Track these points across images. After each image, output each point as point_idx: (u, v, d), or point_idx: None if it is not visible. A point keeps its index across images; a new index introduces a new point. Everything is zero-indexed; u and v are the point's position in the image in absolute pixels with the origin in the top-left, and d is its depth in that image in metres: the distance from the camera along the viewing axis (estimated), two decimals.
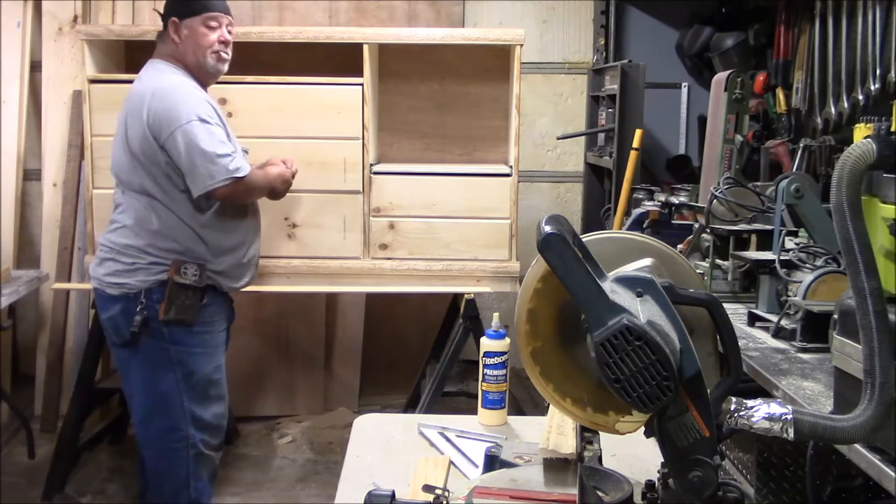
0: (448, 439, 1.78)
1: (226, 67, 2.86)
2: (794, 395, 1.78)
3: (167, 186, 2.64)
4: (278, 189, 2.90)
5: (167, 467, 2.71)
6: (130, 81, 3.41)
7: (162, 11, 2.81)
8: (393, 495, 1.33)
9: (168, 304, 2.61)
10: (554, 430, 1.55)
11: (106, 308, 2.68)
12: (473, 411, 1.91)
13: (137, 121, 2.62)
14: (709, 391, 1.15)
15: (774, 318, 2.26)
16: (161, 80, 2.69)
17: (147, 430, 2.75)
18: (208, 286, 2.70)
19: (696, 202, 3.17)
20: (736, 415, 1.17)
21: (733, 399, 1.18)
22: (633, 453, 1.48)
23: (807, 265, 2.30)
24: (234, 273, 2.78)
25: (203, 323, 2.69)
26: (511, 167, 3.45)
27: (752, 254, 2.57)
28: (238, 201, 2.76)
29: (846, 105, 3.33)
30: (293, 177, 2.96)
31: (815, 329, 2.09)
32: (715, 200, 2.67)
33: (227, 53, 2.83)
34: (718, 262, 2.68)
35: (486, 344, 1.95)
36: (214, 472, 2.82)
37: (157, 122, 2.60)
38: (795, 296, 2.20)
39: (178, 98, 2.63)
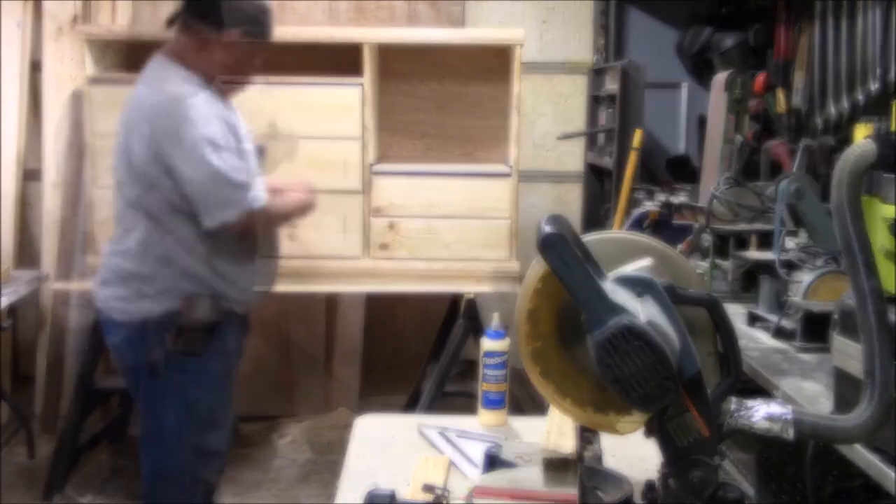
0: (448, 439, 1.78)
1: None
2: (794, 395, 1.78)
3: (171, 209, 2.32)
4: (297, 218, 2.65)
5: (162, 491, 2.52)
6: (131, 81, 3.45)
7: (188, 8, 2.39)
8: (393, 495, 1.33)
9: (177, 336, 2.36)
10: (554, 430, 1.55)
11: (110, 333, 2.43)
12: (473, 411, 1.91)
13: (138, 134, 2.28)
14: (709, 391, 1.15)
15: (774, 318, 2.26)
16: (170, 89, 2.30)
17: (150, 451, 2.54)
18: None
19: (696, 202, 3.17)
20: (736, 415, 1.17)
21: (733, 399, 1.18)
22: (633, 453, 1.48)
23: (807, 265, 2.30)
24: (250, 296, 2.52)
25: (214, 351, 2.43)
26: (511, 167, 3.45)
27: (752, 254, 2.57)
28: (255, 233, 2.47)
29: (846, 105, 3.33)
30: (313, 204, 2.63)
31: (815, 329, 2.09)
32: (715, 200, 2.67)
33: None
34: (718, 262, 2.68)
35: (487, 344, 1.94)
36: (210, 492, 2.66)
37: (161, 139, 2.25)
38: (795, 296, 2.20)
39: (188, 115, 2.25)
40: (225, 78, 2.43)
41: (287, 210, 2.57)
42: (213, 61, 2.38)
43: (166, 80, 2.33)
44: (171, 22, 2.40)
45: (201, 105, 2.28)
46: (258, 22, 2.45)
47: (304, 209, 2.60)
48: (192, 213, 2.32)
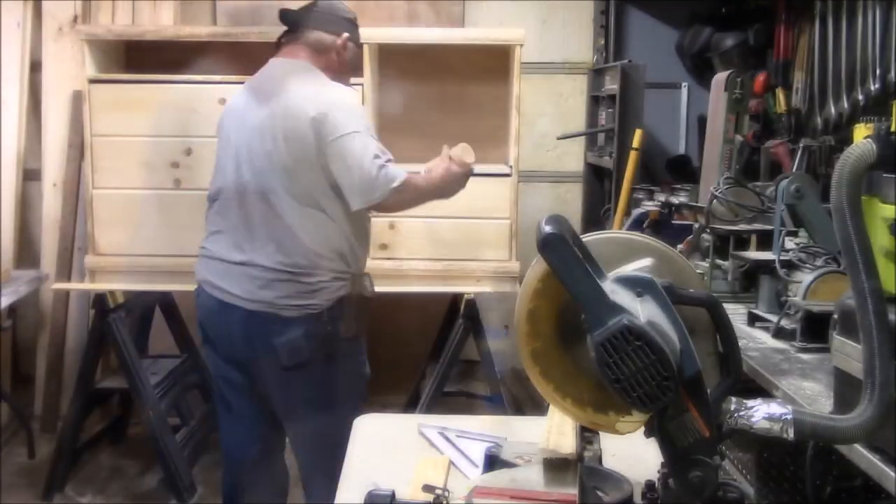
0: (448, 439, 1.78)
1: None
2: (794, 395, 1.78)
3: (332, 196, 2.44)
4: (449, 187, 2.65)
5: (325, 470, 2.39)
6: (130, 81, 3.46)
7: (307, 19, 2.64)
8: (393, 495, 1.33)
9: (350, 319, 2.48)
10: (554, 430, 1.55)
11: (282, 332, 2.42)
12: (473, 411, 1.91)
13: (299, 130, 2.40)
14: (709, 391, 1.15)
15: (774, 318, 2.26)
16: (315, 85, 2.50)
17: (308, 441, 2.59)
18: None
19: (696, 202, 3.17)
20: (736, 415, 1.17)
21: (733, 399, 1.18)
22: (633, 453, 1.48)
23: (807, 265, 2.30)
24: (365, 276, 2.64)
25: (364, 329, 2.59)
26: (511, 167, 3.45)
27: (752, 254, 2.57)
28: (403, 208, 2.61)
29: (846, 105, 3.33)
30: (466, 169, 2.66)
31: (815, 329, 2.09)
32: (715, 200, 2.67)
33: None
34: (718, 262, 2.68)
35: None
36: None
37: (327, 122, 2.39)
38: (795, 296, 2.20)
39: (344, 105, 2.47)
40: (337, 77, 2.62)
41: (431, 181, 2.60)
42: (330, 63, 2.61)
43: (306, 79, 2.52)
44: (289, 30, 2.66)
45: (348, 97, 2.54)
46: (356, 27, 2.75)
47: (454, 176, 2.63)
48: (340, 199, 2.44)
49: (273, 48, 2.70)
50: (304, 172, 2.43)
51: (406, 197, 2.50)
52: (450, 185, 2.65)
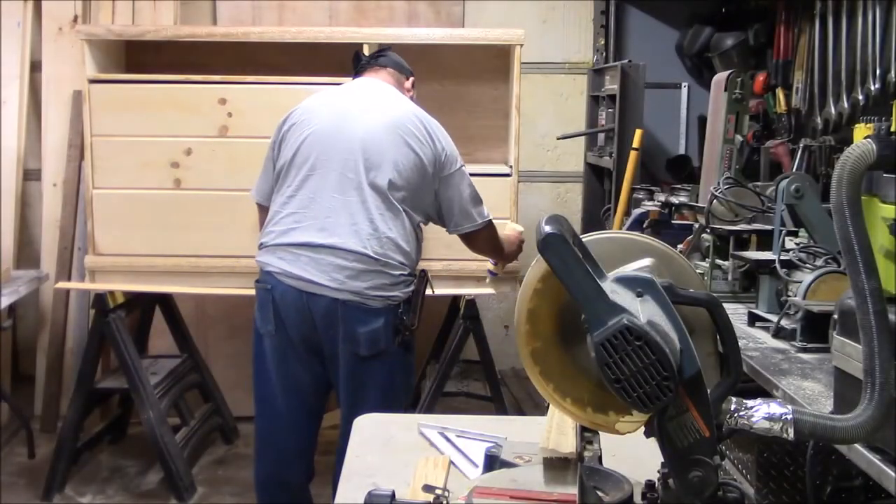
0: (448, 439, 1.78)
1: None
2: (794, 395, 1.78)
3: (416, 207, 2.68)
4: (513, 251, 3.05)
5: None
6: (130, 81, 3.46)
7: (394, 59, 2.91)
8: (393, 495, 1.33)
9: (417, 313, 2.70)
10: (554, 429, 1.55)
11: (366, 321, 2.59)
12: (473, 411, 1.91)
13: (426, 146, 2.65)
14: (709, 391, 1.15)
15: (774, 318, 2.26)
16: (427, 114, 2.75)
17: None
18: None
19: (696, 202, 3.17)
20: (736, 415, 1.17)
21: (733, 399, 1.18)
22: (633, 453, 1.48)
23: (807, 265, 2.30)
24: None
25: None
26: (511, 167, 3.45)
27: (752, 254, 2.57)
28: (477, 246, 2.89)
29: (846, 105, 3.33)
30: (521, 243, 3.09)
31: (815, 329, 2.09)
32: (715, 200, 2.67)
33: None
34: (718, 262, 2.68)
35: None
36: None
37: (446, 157, 2.68)
38: (795, 296, 2.20)
39: (451, 140, 2.75)
40: None
41: (506, 235, 3.01)
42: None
43: (412, 104, 2.78)
44: (364, 65, 2.90)
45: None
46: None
47: (515, 246, 3.06)
48: (421, 213, 2.70)
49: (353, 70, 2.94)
50: (413, 185, 2.64)
51: (488, 234, 2.85)
52: (513, 253, 3.07)
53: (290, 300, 2.61)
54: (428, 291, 2.81)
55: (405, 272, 2.65)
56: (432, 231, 3.09)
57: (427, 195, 2.70)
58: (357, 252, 2.56)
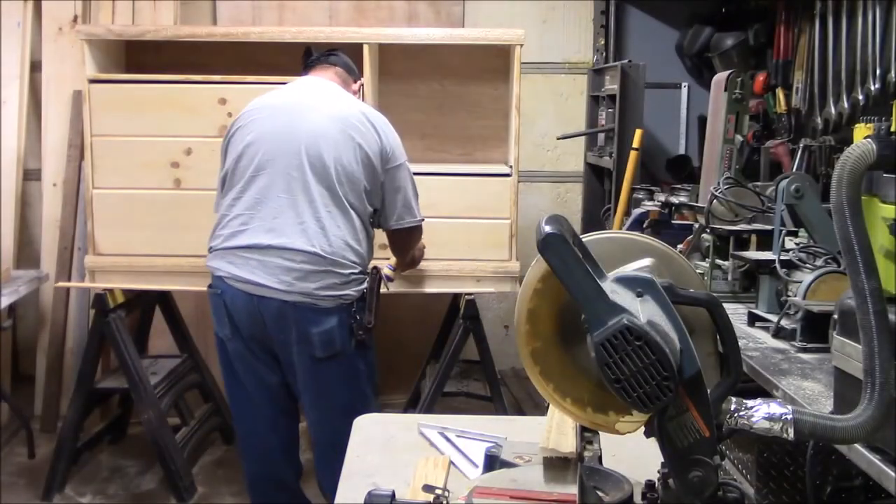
0: (448, 439, 1.78)
1: None
2: (794, 395, 1.78)
3: (365, 205, 2.67)
4: (418, 256, 3.14)
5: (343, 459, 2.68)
6: (130, 81, 3.46)
7: (340, 57, 2.92)
8: (393, 495, 1.33)
9: (373, 311, 2.68)
10: (554, 429, 1.55)
11: (318, 321, 2.57)
12: (473, 411, 1.91)
13: (371, 141, 2.65)
14: (709, 391, 1.15)
15: (774, 318, 2.26)
16: (372, 109, 2.78)
17: (329, 429, 2.68)
18: None
19: (696, 202, 3.17)
20: (736, 415, 1.17)
21: (733, 399, 1.18)
22: (633, 453, 1.48)
23: (807, 265, 2.30)
24: None
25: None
26: (511, 167, 3.45)
27: (752, 254, 2.57)
28: (409, 244, 2.94)
29: (846, 105, 3.33)
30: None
31: (815, 329, 2.09)
32: (715, 200, 2.67)
33: None
34: (718, 262, 2.68)
35: None
36: None
37: (391, 150, 2.69)
38: (795, 296, 2.20)
39: (396, 134, 2.76)
40: None
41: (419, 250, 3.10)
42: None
43: (358, 101, 2.81)
44: (313, 62, 2.90)
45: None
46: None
47: (419, 254, 3.15)
48: (369, 208, 2.69)
49: (301, 66, 2.94)
50: (360, 181, 2.63)
51: (419, 233, 2.91)
52: (418, 260, 3.18)
53: (241, 304, 2.59)
54: (382, 289, 2.80)
55: (356, 270, 2.62)
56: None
57: (375, 190, 2.69)
58: (306, 251, 2.54)
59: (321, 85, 2.80)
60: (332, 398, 2.65)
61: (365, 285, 2.67)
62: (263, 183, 2.59)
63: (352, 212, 2.61)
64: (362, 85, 2.98)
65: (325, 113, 2.65)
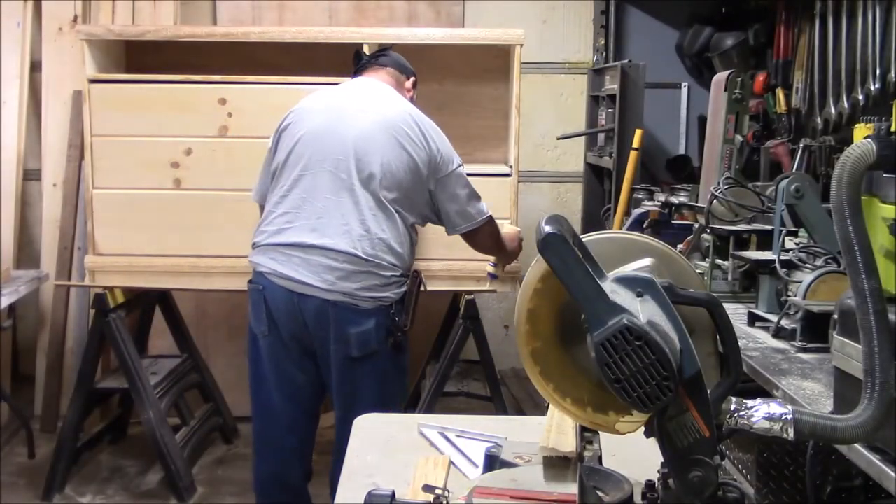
0: (448, 439, 1.78)
1: None
2: (794, 395, 1.78)
3: (410, 209, 2.68)
4: (514, 248, 3.05)
5: None
6: (130, 81, 3.46)
7: (394, 57, 2.91)
8: (393, 495, 1.33)
9: (411, 314, 2.69)
10: (554, 429, 1.55)
11: (357, 322, 2.59)
12: (473, 411, 1.91)
13: (420, 148, 2.64)
14: (709, 391, 1.15)
15: (774, 318, 2.26)
16: (423, 115, 2.75)
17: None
18: None
19: (696, 202, 3.17)
20: (736, 415, 1.17)
21: (733, 399, 1.18)
22: (633, 453, 1.48)
23: (807, 265, 2.30)
24: None
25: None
26: (511, 167, 3.45)
27: (752, 254, 2.57)
28: (482, 242, 2.89)
29: (846, 105, 3.33)
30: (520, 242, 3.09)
31: (815, 329, 2.09)
32: (715, 200, 2.67)
33: None
34: (718, 262, 2.68)
35: None
36: None
37: (442, 159, 2.68)
38: (795, 296, 2.20)
39: (447, 140, 2.75)
40: None
41: (505, 231, 3.01)
42: (404, 97, 2.86)
43: (409, 104, 2.78)
44: (364, 64, 2.90)
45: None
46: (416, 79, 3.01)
47: (515, 243, 3.06)
48: (417, 213, 2.70)
49: (351, 71, 2.94)
50: (406, 186, 2.63)
51: (490, 230, 2.85)
52: (515, 251, 3.07)
53: (282, 301, 2.61)
54: (421, 290, 2.81)
55: (397, 273, 2.64)
56: (432, 231, 3.10)
57: (421, 196, 2.69)
58: (347, 253, 2.55)
59: (373, 87, 2.80)
60: (363, 397, 2.65)
61: (405, 288, 2.67)
62: (310, 183, 2.61)
63: (396, 216, 2.62)
64: (416, 81, 2.94)
65: (373, 116, 2.65)
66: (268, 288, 2.62)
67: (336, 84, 3.32)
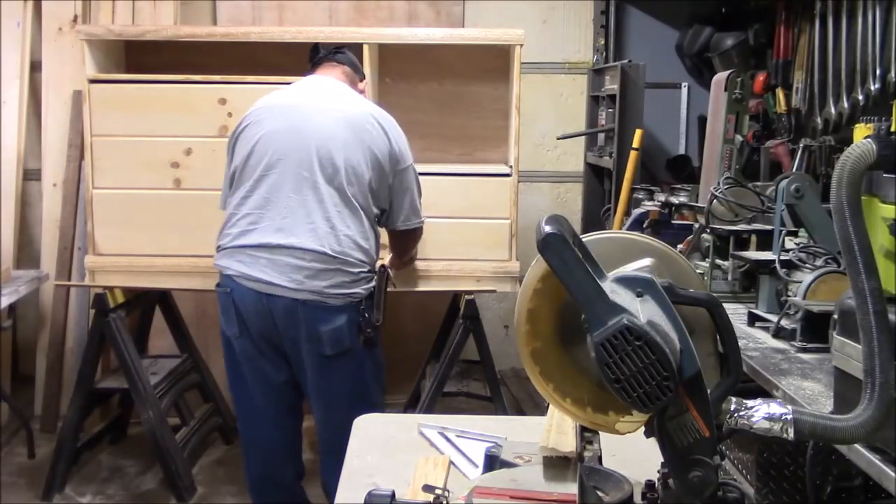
0: (448, 439, 1.78)
1: None
2: (794, 395, 1.78)
3: (373, 204, 2.70)
4: (414, 256, 3.20)
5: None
6: (130, 81, 3.46)
7: (346, 56, 2.94)
8: (393, 495, 1.33)
9: (382, 308, 2.71)
10: (554, 429, 1.55)
11: (328, 320, 2.60)
12: (473, 411, 1.91)
13: (381, 143, 2.68)
14: (709, 391, 1.15)
15: (774, 318, 2.26)
16: (382, 111, 2.80)
17: (336, 426, 2.62)
18: None
19: (696, 202, 3.17)
20: (736, 415, 1.17)
21: (733, 399, 1.18)
22: (633, 453, 1.48)
23: (807, 265, 2.30)
24: None
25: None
26: (511, 167, 3.45)
27: (752, 254, 2.57)
28: (411, 244, 3.02)
29: (846, 105, 3.33)
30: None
31: (815, 329, 2.09)
32: (715, 200, 2.67)
33: None
34: (718, 262, 2.68)
35: None
36: None
37: (400, 152, 2.73)
38: (795, 296, 2.20)
39: (404, 136, 2.80)
40: None
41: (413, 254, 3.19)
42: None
43: (367, 102, 2.86)
44: (320, 59, 2.91)
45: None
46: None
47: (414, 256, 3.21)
48: (377, 209, 2.72)
49: (308, 65, 2.96)
50: (369, 182, 2.66)
51: (420, 233, 2.95)
52: (412, 260, 3.24)
53: (251, 303, 2.60)
54: (390, 288, 2.85)
55: (364, 269, 2.66)
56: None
57: (383, 192, 2.72)
58: (315, 251, 2.56)
59: (330, 84, 2.81)
60: (340, 395, 2.67)
61: (373, 283, 2.69)
62: (273, 182, 2.60)
63: (360, 211, 2.64)
64: (365, 85, 3.01)
65: (334, 114, 2.67)
66: (236, 290, 2.62)
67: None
